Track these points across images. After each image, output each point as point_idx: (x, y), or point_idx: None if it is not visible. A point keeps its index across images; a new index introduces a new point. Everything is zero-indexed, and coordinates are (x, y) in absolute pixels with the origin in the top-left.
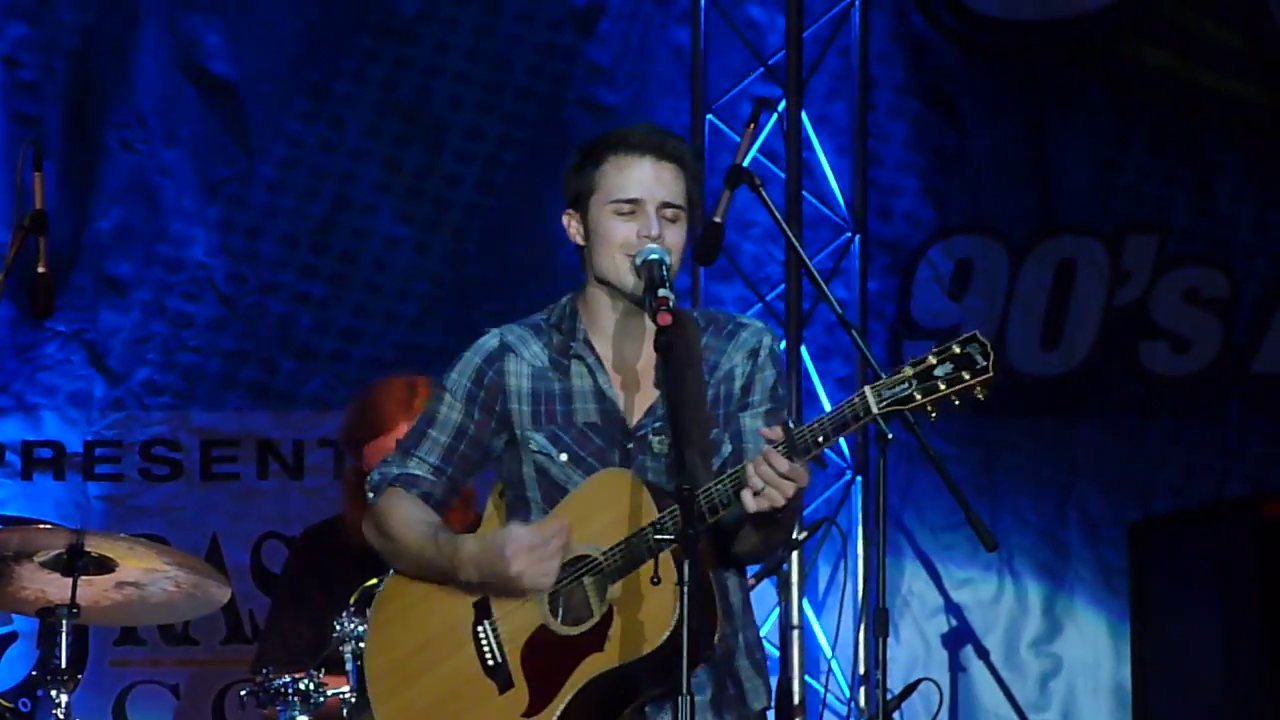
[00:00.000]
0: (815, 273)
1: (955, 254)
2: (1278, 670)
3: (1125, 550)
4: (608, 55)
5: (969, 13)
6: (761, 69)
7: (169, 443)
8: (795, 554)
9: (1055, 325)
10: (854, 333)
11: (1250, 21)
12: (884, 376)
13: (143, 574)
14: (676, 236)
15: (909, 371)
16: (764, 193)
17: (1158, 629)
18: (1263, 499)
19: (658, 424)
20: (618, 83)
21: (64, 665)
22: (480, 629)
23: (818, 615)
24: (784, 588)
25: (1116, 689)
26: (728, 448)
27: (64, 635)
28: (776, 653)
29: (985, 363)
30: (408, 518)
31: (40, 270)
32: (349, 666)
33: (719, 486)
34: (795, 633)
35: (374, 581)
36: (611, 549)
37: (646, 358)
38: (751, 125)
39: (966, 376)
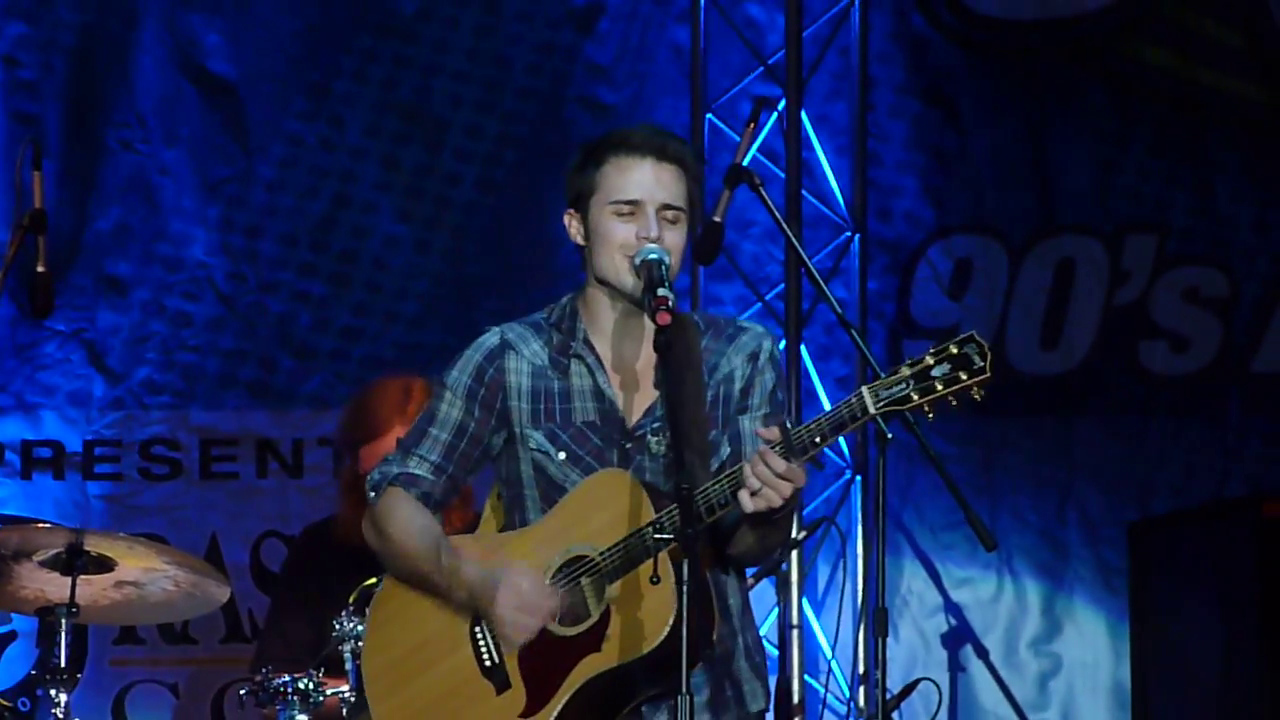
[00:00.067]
0: (815, 272)
1: (955, 253)
2: (1277, 670)
3: (1124, 550)
4: (607, 54)
5: (969, 12)
6: (761, 68)
7: (168, 442)
8: (795, 553)
9: (1055, 325)
10: (853, 332)
11: (1250, 21)
12: (883, 377)
13: (142, 573)
14: (676, 238)
15: (906, 372)
16: (763, 192)
17: (1157, 629)
18: (1262, 499)
19: (656, 424)
20: (617, 82)
21: (63, 664)
22: (478, 629)
23: (817, 615)
24: (783, 587)
25: (1116, 688)
26: (726, 450)
27: (63, 634)
28: (776, 652)
29: (982, 363)
30: (408, 525)
31: (40, 269)
32: (348, 666)
33: (716, 487)
34: (795, 632)
35: (373, 581)
36: (609, 549)
37: (646, 358)
38: (751, 125)
39: (963, 377)
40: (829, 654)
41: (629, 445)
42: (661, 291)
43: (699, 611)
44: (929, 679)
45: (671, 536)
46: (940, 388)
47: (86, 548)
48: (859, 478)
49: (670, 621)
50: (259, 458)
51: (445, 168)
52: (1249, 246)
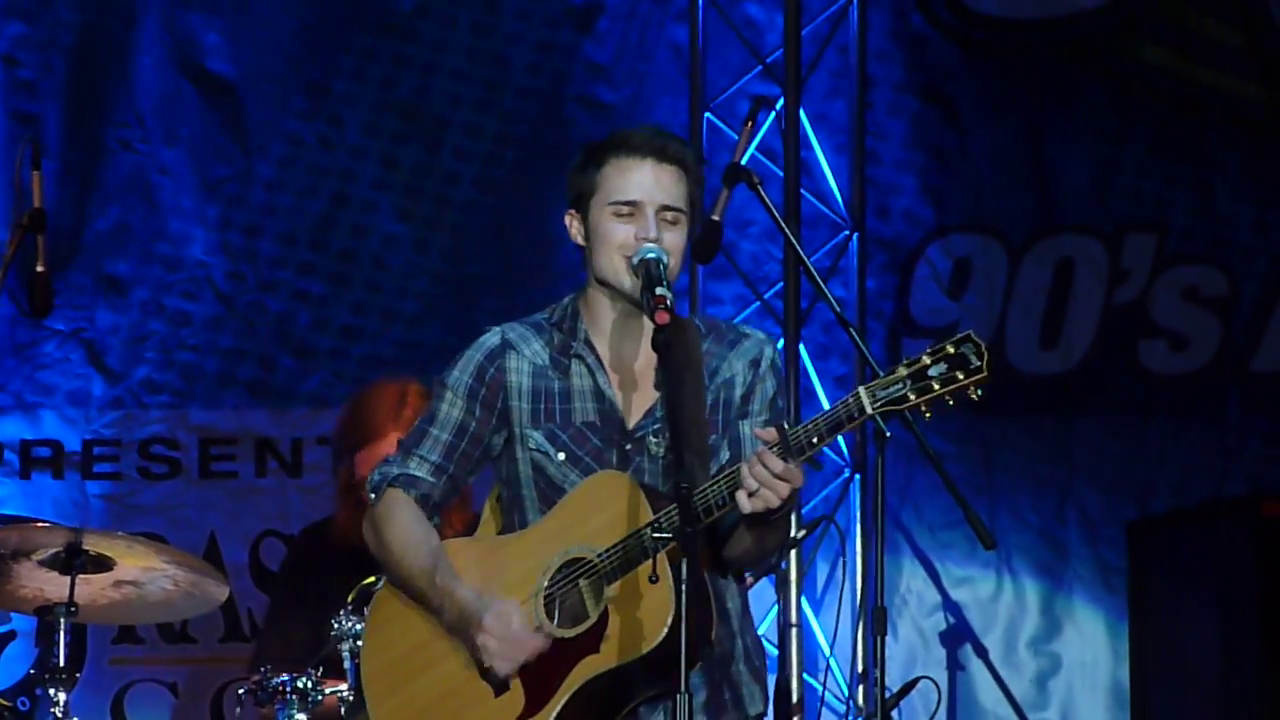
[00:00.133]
0: (814, 271)
1: (954, 252)
2: (1276, 669)
3: (1124, 549)
4: (606, 53)
5: (968, 11)
6: (760, 67)
7: (167, 441)
8: (794, 552)
9: (1054, 324)
10: (852, 331)
11: (1250, 20)
12: (881, 376)
13: (141, 572)
14: (676, 239)
15: (903, 372)
16: (762, 191)
17: (1156, 628)
18: (1261, 498)
19: (656, 426)
20: (616, 81)
21: (62, 664)
22: None
23: (816, 613)
24: (782, 586)
25: (1115, 688)
26: (725, 454)
27: (62, 634)
28: (775, 651)
29: (979, 363)
30: (406, 536)
31: (39, 269)
32: (347, 665)
33: (714, 487)
34: (794, 631)
35: (372, 580)
36: (608, 551)
37: (646, 359)
38: (750, 123)
39: (960, 376)
40: (828, 652)
41: (628, 446)
42: (660, 291)
43: (698, 610)
44: (928, 677)
45: (670, 536)
46: (937, 387)
47: (85, 547)
48: (858, 476)
49: (669, 622)
50: (258, 457)
51: (444, 167)
52: (1248, 246)
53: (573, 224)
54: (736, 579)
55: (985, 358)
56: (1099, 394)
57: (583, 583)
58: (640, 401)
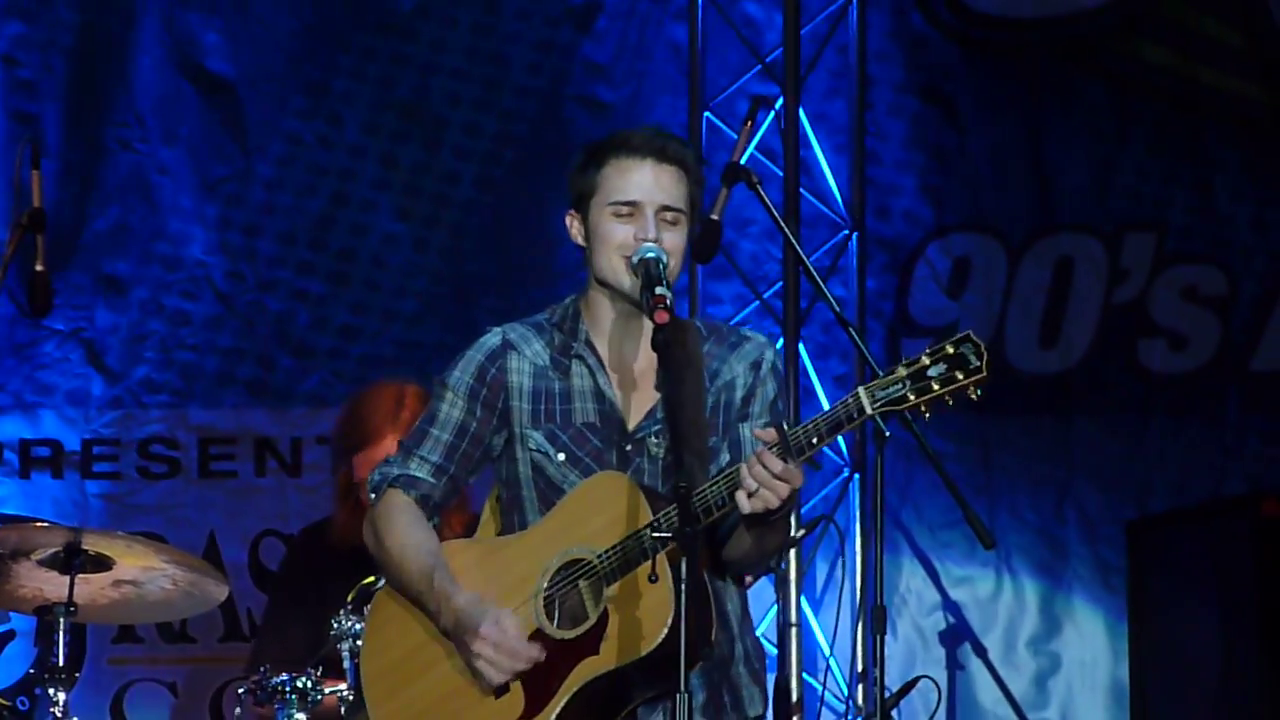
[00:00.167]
0: (813, 271)
1: (953, 252)
2: (1276, 668)
3: (1123, 548)
4: (606, 52)
5: (967, 10)
6: (759, 66)
7: (167, 440)
8: (793, 552)
9: (1053, 323)
10: (852, 331)
11: (1250, 19)
12: (881, 376)
13: (140, 572)
14: (676, 239)
15: (902, 372)
16: (761, 190)
17: (1156, 627)
18: (1261, 497)
19: (657, 427)
20: (615, 80)
21: (62, 663)
22: None
23: (816, 613)
24: (782, 585)
25: (1114, 687)
26: (725, 456)
27: (62, 633)
28: (775, 650)
29: (979, 363)
30: (405, 539)
31: (38, 268)
32: (346, 665)
33: (714, 488)
34: (793, 630)
35: (371, 579)
36: (607, 552)
37: (647, 360)
38: (749, 123)
39: (960, 377)
40: (828, 652)
41: (628, 447)
42: (659, 290)
43: (697, 610)
44: (928, 677)
45: (669, 536)
46: (936, 388)
47: (85, 546)
48: (857, 476)
49: (669, 622)
50: (257, 456)
51: (444, 166)
52: (1248, 245)
53: (573, 224)
54: (736, 582)
55: (984, 358)
56: (1098, 393)
57: (582, 584)
58: (641, 402)
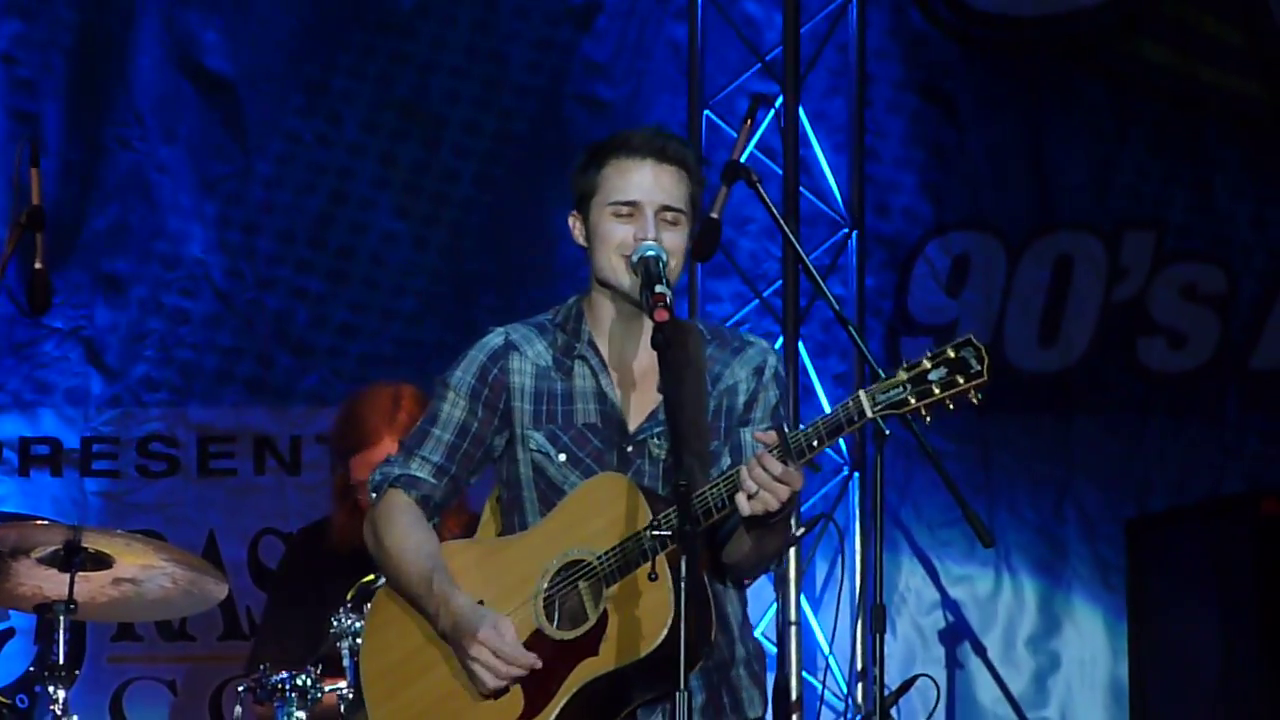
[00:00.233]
0: (813, 269)
1: (953, 250)
2: (1275, 667)
3: (1122, 547)
4: (605, 51)
5: (967, 8)
6: (759, 65)
7: (166, 439)
8: (793, 550)
9: (1053, 322)
10: (851, 329)
11: (1250, 18)
12: (881, 374)
13: (140, 570)
14: (676, 239)
15: (903, 376)
16: (761, 189)
17: (1155, 626)
18: (1260, 496)
19: (658, 429)
20: (615, 79)
21: (61, 661)
22: None
23: (815, 611)
24: (781, 584)
25: (1113, 686)
26: (726, 460)
27: (61, 631)
28: (774, 649)
29: (979, 367)
30: (404, 540)
31: (37, 267)
32: (346, 663)
33: (714, 490)
34: (792, 629)
35: (370, 578)
36: (607, 553)
37: (649, 362)
38: (748, 121)
39: (961, 381)
40: (827, 650)
41: (629, 448)
42: (659, 289)
43: (697, 611)
44: (927, 675)
45: (669, 536)
46: (937, 392)
47: (84, 545)
48: (857, 474)
49: (668, 623)
50: (257, 455)
51: (443, 164)
52: (1247, 243)
53: (575, 225)
54: (736, 586)
55: (986, 362)
56: (1098, 392)
57: (582, 585)
58: (642, 404)
